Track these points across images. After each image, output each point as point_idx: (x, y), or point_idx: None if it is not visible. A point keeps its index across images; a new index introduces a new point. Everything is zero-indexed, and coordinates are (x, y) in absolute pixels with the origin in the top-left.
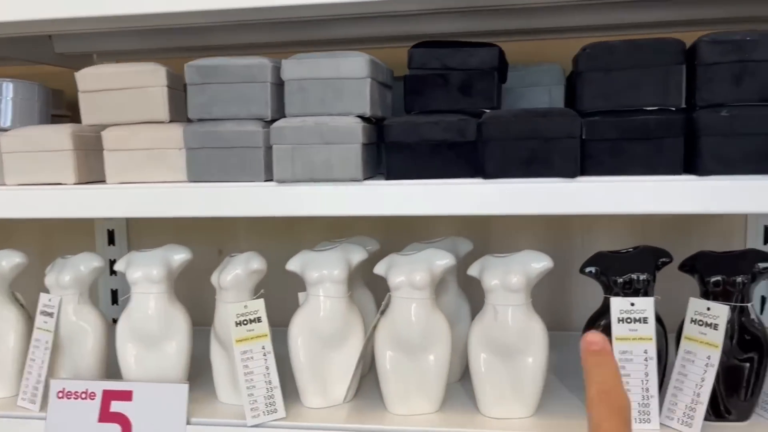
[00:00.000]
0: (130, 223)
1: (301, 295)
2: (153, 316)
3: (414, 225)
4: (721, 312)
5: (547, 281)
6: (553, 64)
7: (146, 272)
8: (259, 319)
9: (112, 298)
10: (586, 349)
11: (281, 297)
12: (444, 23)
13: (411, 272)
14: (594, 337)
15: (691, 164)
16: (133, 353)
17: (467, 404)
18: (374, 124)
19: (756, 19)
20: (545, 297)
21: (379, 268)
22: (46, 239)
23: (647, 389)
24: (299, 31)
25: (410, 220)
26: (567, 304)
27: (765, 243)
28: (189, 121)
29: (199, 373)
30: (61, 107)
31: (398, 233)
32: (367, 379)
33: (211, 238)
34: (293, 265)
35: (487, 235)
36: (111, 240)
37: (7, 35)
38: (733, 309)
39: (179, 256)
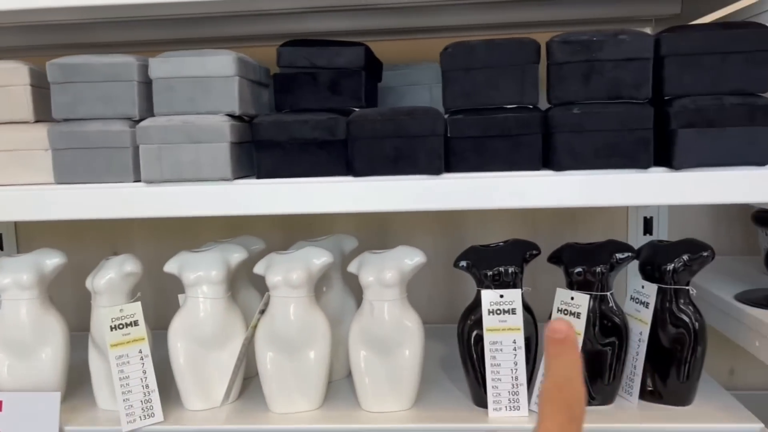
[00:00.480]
0: (18, 226)
1: (180, 297)
2: (24, 324)
3: (309, 222)
4: (582, 301)
5: (441, 275)
6: (433, 62)
7: (16, 278)
8: (136, 323)
9: None
10: (549, 337)
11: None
12: (323, 21)
13: (288, 271)
14: (559, 324)
15: (548, 160)
16: (5, 363)
17: (349, 400)
18: (246, 123)
19: (613, 20)
20: (438, 290)
21: (259, 268)
22: None
23: (516, 377)
24: (178, 29)
25: (304, 218)
26: (458, 296)
27: (645, 233)
28: (55, 121)
29: (81, 380)
30: None
31: (291, 231)
32: (252, 381)
33: (106, 239)
34: (171, 266)
35: (382, 232)
36: None
37: None
38: (594, 298)
39: (52, 260)
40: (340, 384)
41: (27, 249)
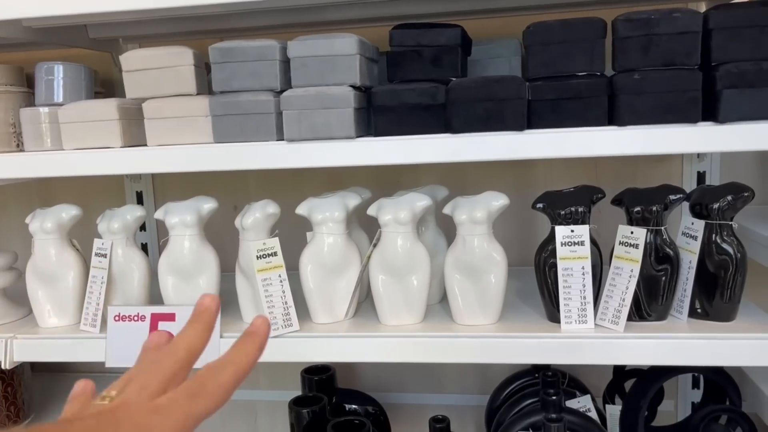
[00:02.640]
0: (156, 185)
1: (308, 234)
2: (187, 254)
3: (400, 177)
4: (640, 234)
5: (514, 222)
6: (512, 38)
7: (182, 218)
8: (275, 254)
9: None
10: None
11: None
12: (419, 6)
13: (397, 211)
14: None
15: (614, 117)
16: (172, 285)
17: (445, 318)
18: (363, 92)
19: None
20: (512, 233)
21: (371, 210)
22: (81, 199)
23: (584, 297)
24: (301, 15)
25: (397, 173)
26: (530, 241)
27: (698, 157)
28: (212, 93)
29: (225, 304)
30: (97, 85)
31: (387, 185)
32: (364, 304)
33: (227, 196)
34: (302, 209)
35: (462, 184)
36: (139, 200)
37: (47, 25)
38: (650, 232)
39: (207, 205)
40: (434, 307)
41: (162, 203)
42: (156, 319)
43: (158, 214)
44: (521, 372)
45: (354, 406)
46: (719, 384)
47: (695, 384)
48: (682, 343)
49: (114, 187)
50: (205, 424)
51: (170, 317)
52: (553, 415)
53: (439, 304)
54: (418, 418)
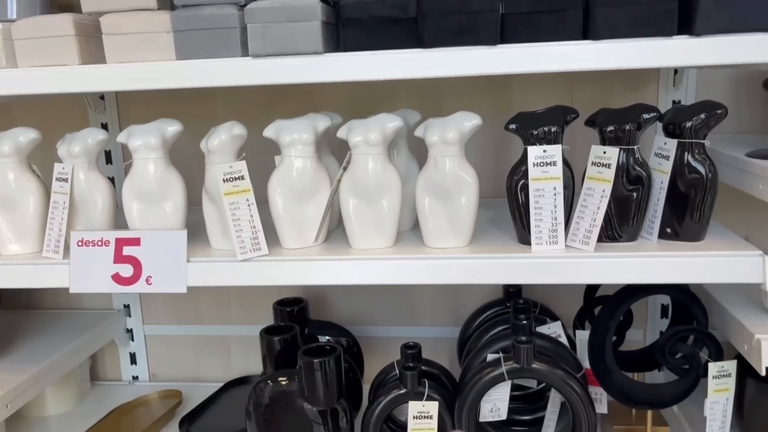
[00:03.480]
0: (121, 114)
1: (277, 158)
2: (152, 179)
3: (374, 103)
4: (613, 153)
5: (489, 154)
6: None
7: (145, 140)
8: (242, 177)
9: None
10: None
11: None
12: None
13: (367, 132)
14: None
15: (588, 31)
16: (137, 210)
17: (416, 242)
18: (332, 6)
19: None
20: (487, 168)
21: (341, 132)
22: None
23: (555, 218)
24: None
25: (371, 99)
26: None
27: (673, 85)
28: (174, 7)
29: (195, 230)
30: (54, 8)
31: (360, 111)
32: (336, 231)
33: (194, 115)
34: (270, 131)
35: (436, 109)
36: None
37: None
38: (623, 151)
39: (172, 128)
40: (406, 233)
41: (126, 121)
42: (120, 244)
43: (121, 137)
44: (493, 302)
45: (327, 338)
46: (687, 306)
47: (664, 313)
48: (651, 262)
49: (77, 120)
50: (180, 360)
51: (135, 242)
52: (523, 338)
53: (410, 231)
54: (391, 349)
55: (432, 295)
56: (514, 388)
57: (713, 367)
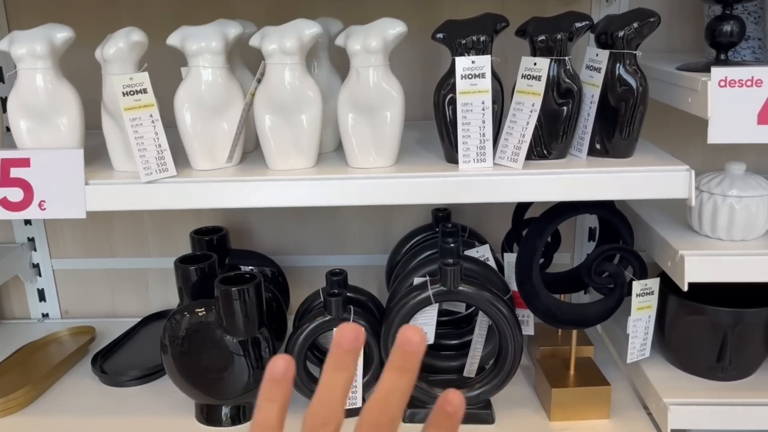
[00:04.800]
0: (9, 16)
1: (183, 70)
2: (40, 92)
3: (291, 9)
4: (543, 65)
5: (418, 75)
6: None
7: (30, 48)
8: (144, 91)
9: None
10: (401, 345)
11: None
12: None
13: (282, 39)
14: (412, 334)
15: None
16: (26, 127)
17: (339, 163)
18: None
19: None
20: (416, 89)
21: (254, 40)
22: None
23: (483, 134)
24: None
25: (288, 6)
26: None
27: (606, 0)
28: None
29: (95, 152)
30: None
31: (277, 20)
32: (253, 152)
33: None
34: (173, 39)
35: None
36: None
37: None
38: (554, 62)
39: (62, 34)
40: (328, 155)
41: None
42: (7, 165)
43: (2, 45)
44: (421, 227)
45: (249, 268)
46: (613, 227)
47: (591, 236)
48: (581, 178)
49: None
50: (94, 296)
51: (24, 162)
52: (450, 261)
53: (333, 153)
54: (318, 280)
55: (359, 222)
56: (441, 313)
57: (637, 285)
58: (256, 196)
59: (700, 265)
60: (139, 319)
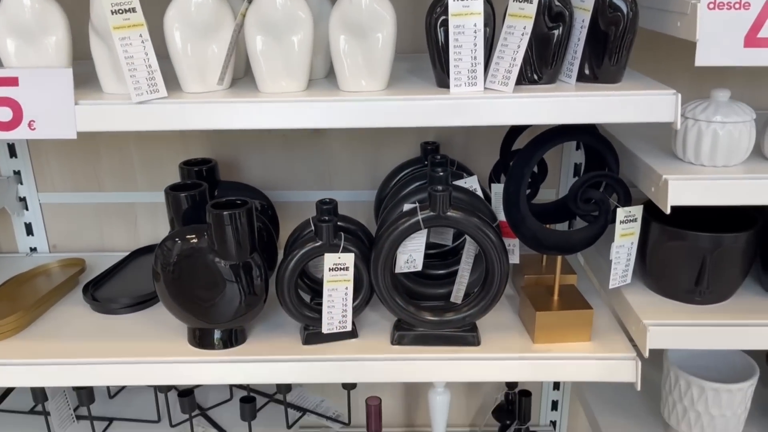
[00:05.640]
0: None
1: None
2: (28, 10)
3: None
4: None
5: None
6: None
7: None
8: (133, 10)
9: None
10: None
11: None
12: None
13: None
14: None
15: None
16: (13, 47)
17: (330, 87)
18: None
19: None
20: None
21: None
22: None
23: (475, 58)
24: None
25: None
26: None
27: None
28: None
29: (82, 80)
30: None
31: None
32: (243, 78)
33: None
34: None
35: None
36: None
37: None
38: None
39: None
40: (319, 81)
41: None
42: None
43: None
44: (410, 161)
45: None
46: (600, 154)
47: (576, 172)
48: (570, 101)
49: None
50: (82, 230)
51: (12, 81)
52: (439, 187)
53: (324, 79)
54: (307, 214)
55: (348, 157)
56: (429, 246)
57: (621, 212)
58: (247, 117)
59: (683, 189)
60: (128, 253)
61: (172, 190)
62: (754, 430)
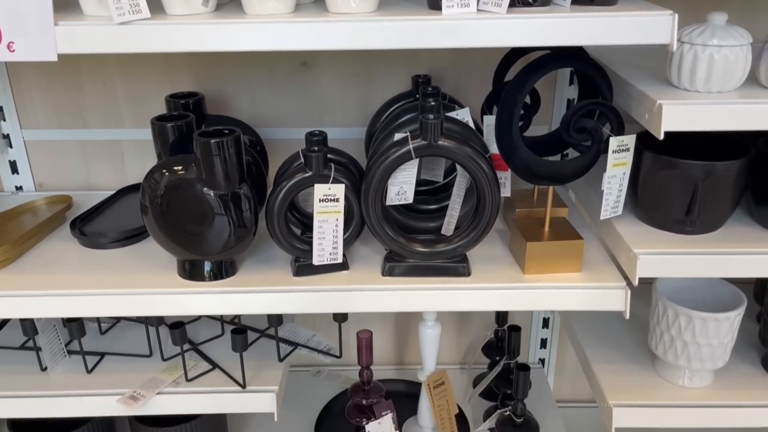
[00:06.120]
0: None
1: None
2: None
3: None
4: None
5: None
6: None
7: None
8: None
9: None
10: None
11: None
12: None
13: None
14: None
15: None
16: None
17: (319, 9)
18: None
19: None
20: None
21: None
22: None
23: None
24: None
25: None
26: None
27: None
28: None
29: (62, 3)
30: None
31: None
32: (228, 5)
33: None
34: None
35: None
36: None
37: None
38: None
39: None
40: (306, 5)
41: None
42: None
43: None
44: (401, 94)
45: None
46: (593, 80)
47: (569, 108)
48: (564, 22)
49: None
50: (68, 168)
51: None
52: (431, 115)
53: (312, 3)
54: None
55: (338, 92)
56: (420, 183)
57: (614, 141)
58: (234, 38)
59: (677, 114)
60: (115, 191)
61: (158, 121)
62: (739, 360)
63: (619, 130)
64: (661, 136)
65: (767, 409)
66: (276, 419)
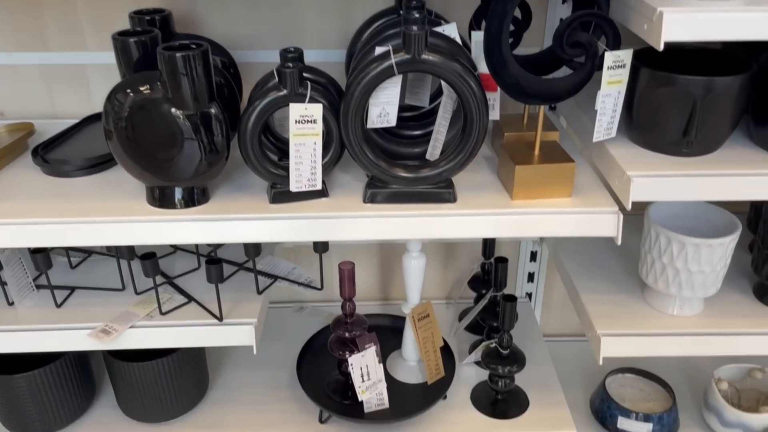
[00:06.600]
0: None
1: None
2: None
3: None
4: None
5: None
6: None
7: None
8: None
9: None
10: None
11: None
12: None
13: None
14: None
15: None
16: None
17: None
18: None
19: None
20: None
21: None
22: None
23: None
24: None
25: None
26: None
27: None
28: None
29: None
30: None
31: None
32: None
33: None
34: None
35: None
36: None
37: None
38: None
39: None
40: None
41: None
42: None
43: None
44: (384, 11)
45: None
46: None
47: None
48: None
49: None
50: (30, 95)
51: None
52: (415, 27)
53: None
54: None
55: (316, 11)
56: (405, 109)
57: (609, 57)
58: None
59: (678, 22)
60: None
61: (120, 36)
62: (731, 289)
63: (615, 44)
64: (661, 47)
65: (759, 337)
66: (255, 352)
